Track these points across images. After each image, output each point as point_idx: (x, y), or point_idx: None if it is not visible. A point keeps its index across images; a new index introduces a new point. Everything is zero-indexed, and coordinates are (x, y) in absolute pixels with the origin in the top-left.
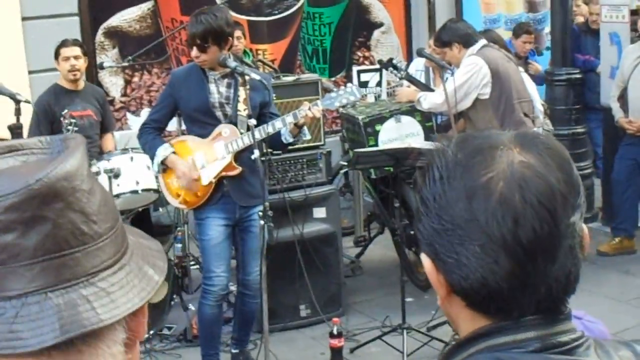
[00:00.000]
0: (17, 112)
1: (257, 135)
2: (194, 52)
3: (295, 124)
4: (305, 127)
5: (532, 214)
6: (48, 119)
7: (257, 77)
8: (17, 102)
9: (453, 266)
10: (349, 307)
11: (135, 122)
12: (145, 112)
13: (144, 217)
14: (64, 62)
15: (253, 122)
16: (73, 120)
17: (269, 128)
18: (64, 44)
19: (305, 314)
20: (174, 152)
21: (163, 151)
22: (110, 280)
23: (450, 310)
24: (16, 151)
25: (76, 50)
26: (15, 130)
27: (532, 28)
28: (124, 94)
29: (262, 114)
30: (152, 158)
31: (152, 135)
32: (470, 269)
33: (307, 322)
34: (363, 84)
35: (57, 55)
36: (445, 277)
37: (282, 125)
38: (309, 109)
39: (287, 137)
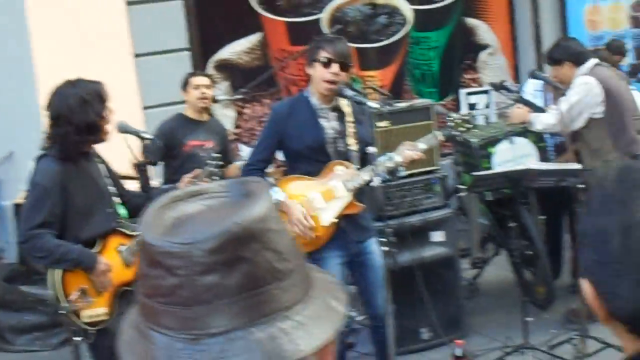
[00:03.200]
0: (143, 150)
1: (380, 169)
2: (335, 69)
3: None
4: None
5: None
6: (166, 143)
7: (376, 106)
8: (143, 139)
9: (610, 296)
10: (469, 328)
11: (248, 153)
12: None
13: None
14: (195, 90)
15: (373, 149)
16: (217, 155)
17: (389, 163)
18: (193, 74)
19: (426, 337)
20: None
21: (275, 195)
22: (304, 313)
23: (613, 330)
24: (199, 195)
25: (206, 80)
26: (142, 168)
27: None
28: (236, 126)
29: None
30: None
31: (258, 178)
32: (627, 300)
33: (428, 345)
34: (471, 106)
35: (186, 84)
36: (604, 304)
37: (400, 159)
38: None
39: (384, 176)
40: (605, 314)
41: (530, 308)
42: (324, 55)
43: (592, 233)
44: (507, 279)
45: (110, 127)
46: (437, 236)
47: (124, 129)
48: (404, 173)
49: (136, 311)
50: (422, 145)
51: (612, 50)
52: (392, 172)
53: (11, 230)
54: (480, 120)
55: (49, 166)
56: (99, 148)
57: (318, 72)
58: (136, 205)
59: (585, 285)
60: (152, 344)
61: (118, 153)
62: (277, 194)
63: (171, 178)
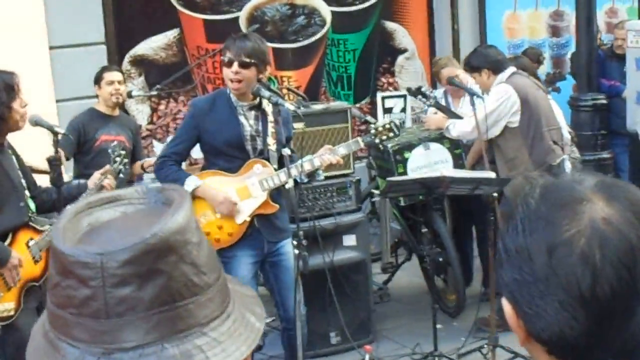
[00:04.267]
0: (55, 144)
1: (294, 172)
2: (235, 67)
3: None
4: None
5: (611, 272)
6: (78, 138)
7: (292, 108)
8: (55, 134)
9: (532, 317)
10: (379, 334)
11: (160, 150)
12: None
13: None
14: (108, 85)
15: (288, 151)
16: (123, 152)
17: (308, 166)
18: (107, 69)
19: (335, 341)
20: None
21: (192, 181)
22: (220, 329)
23: (531, 351)
24: (115, 202)
25: (119, 75)
26: (54, 162)
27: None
28: (150, 122)
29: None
30: None
31: (174, 167)
32: (549, 321)
33: (337, 350)
34: (387, 110)
35: (99, 79)
36: (524, 324)
37: (319, 162)
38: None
39: (302, 178)
40: (525, 334)
41: (440, 315)
42: (226, 55)
43: (514, 251)
44: (418, 285)
45: (22, 119)
46: (349, 240)
47: (38, 123)
48: (322, 176)
49: (46, 318)
50: (342, 150)
51: (529, 58)
52: (311, 175)
53: None
54: None
55: None
56: (12, 140)
57: (224, 73)
58: (42, 200)
59: (506, 305)
60: (62, 356)
61: (30, 146)
62: (194, 180)
63: (82, 173)
